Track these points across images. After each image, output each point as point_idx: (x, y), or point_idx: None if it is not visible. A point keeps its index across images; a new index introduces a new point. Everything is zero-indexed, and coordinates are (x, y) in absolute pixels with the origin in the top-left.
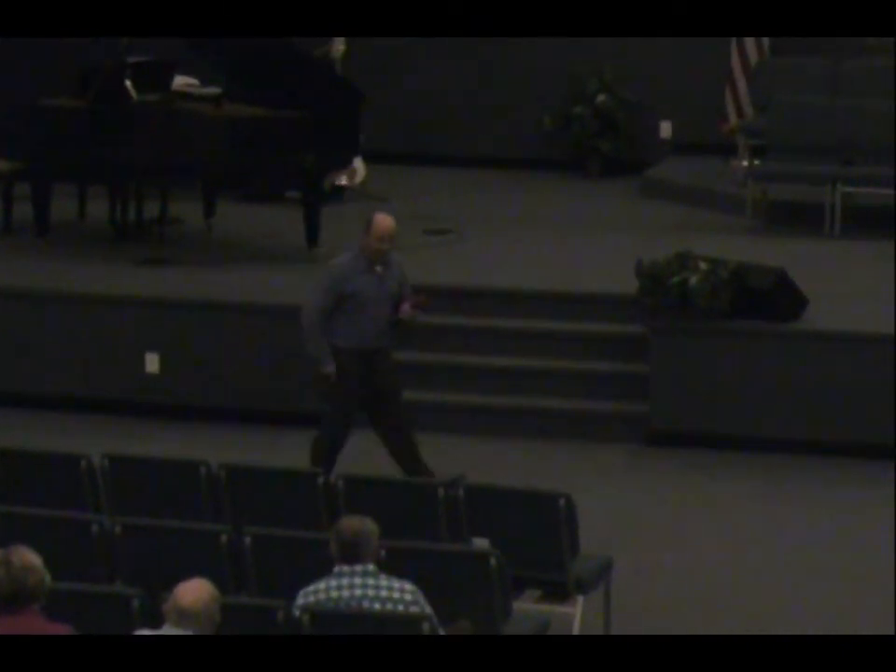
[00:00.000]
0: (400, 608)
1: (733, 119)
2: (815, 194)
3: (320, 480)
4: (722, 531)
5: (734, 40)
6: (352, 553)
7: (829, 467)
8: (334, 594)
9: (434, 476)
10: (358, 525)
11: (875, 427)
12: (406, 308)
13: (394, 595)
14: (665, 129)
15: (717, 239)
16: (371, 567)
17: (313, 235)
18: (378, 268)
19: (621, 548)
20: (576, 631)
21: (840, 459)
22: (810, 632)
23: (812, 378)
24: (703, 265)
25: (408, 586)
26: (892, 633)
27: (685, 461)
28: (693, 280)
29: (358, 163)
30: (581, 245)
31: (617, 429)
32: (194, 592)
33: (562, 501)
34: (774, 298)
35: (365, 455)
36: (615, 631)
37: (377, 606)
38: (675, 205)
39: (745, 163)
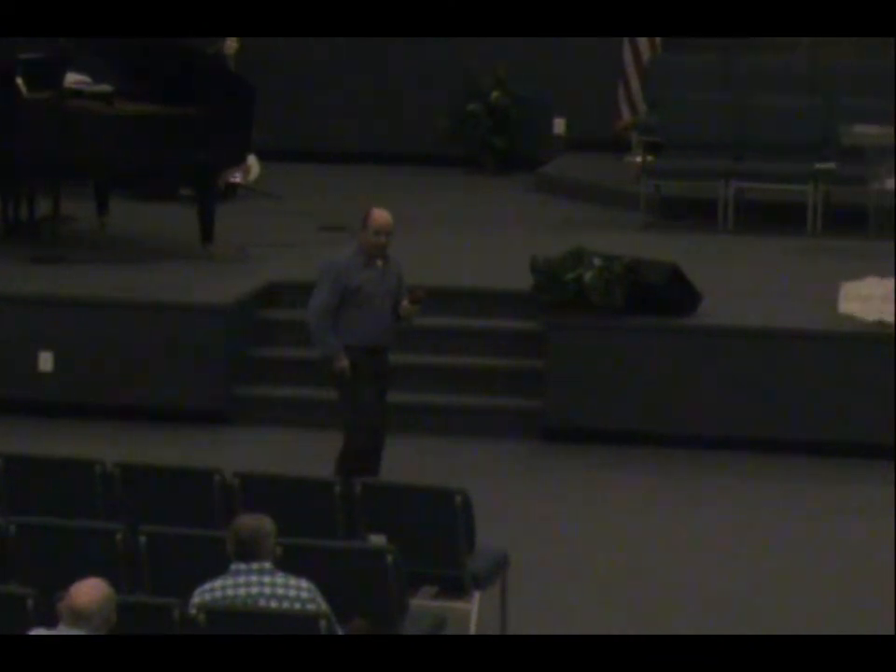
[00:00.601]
0: (297, 605)
1: (626, 115)
2: (708, 189)
3: (216, 477)
4: (618, 527)
5: (626, 38)
6: (248, 550)
7: (722, 461)
8: (230, 592)
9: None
10: (255, 523)
11: (768, 420)
12: (405, 305)
13: (290, 592)
14: (559, 125)
15: (611, 235)
16: (267, 564)
17: (207, 232)
18: (379, 263)
19: (517, 544)
20: (472, 627)
21: (733, 453)
22: (705, 626)
23: (706, 373)
24: (597, 261)
25: (304, 584)
26: (776, 615)
27: (580, 456)
28: (588, 276)
29: (252, 160)
30: (475, 241)
31: (513, 425)
32: (89, 591)
33: (458, 497)
34: (668, 293)
35: (262, 452)
36: (511, 627)
37: (273, 604)
38: (569, 201)
39: (638, 160)
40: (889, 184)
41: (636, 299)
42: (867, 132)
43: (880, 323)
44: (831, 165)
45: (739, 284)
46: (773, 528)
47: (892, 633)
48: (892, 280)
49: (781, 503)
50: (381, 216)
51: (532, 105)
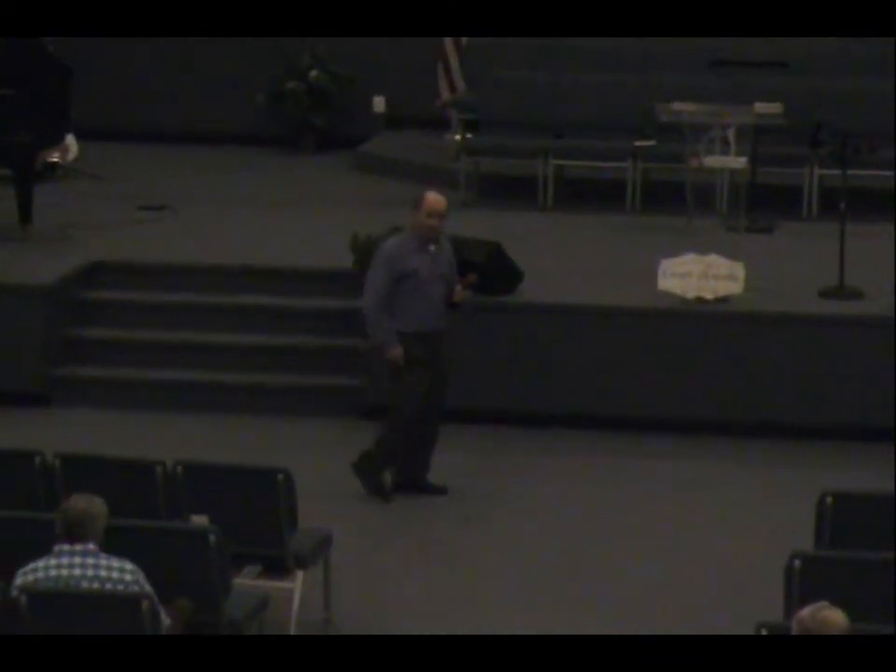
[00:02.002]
0: (120, 587)
1: (445, 93)
2: (527, 167)
3: (37, 459)
4: (440, 503)
5: None
6: (77, 532)
7: (558, 438)
8: (53, 573)
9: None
10: (85, 504)
11: (597, 397)
12: (458, 289)
13: (113, 574)
14: (379, 103)
15: None
16: (91, 546)
17: (25, 213)
18: (431, 247)
19: (340, 522)
20: (295, 606)
21: (566, 431)
22: (549, 599)
23: (528, 350)
24: None
25: (128, 566)
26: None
27: None
28: None
29: (71, 140)
30: (295, 220)
31: (334, 403)
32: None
33: (280, 476)
34: (489, 271)
35: (84, 433)
36: (335, 606)
37: (96, 585)
38: (389, 180)
39: (458, 138)
40: (708, 161)
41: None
42: (685, 109)
43: (699, 299)
44: (649, 143)
45: (559, 261)
46: (627, 504)
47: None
48: (711, 257)
49: (580, 477)
50: (434, 198)
51: (351, 84)
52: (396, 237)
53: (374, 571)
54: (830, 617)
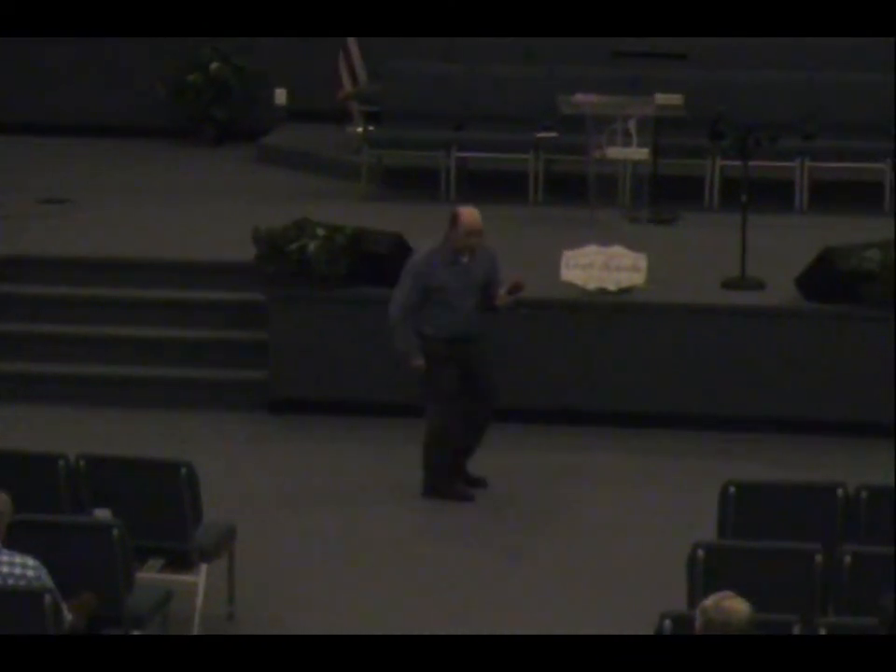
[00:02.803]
0: (22, 583)
1: (347, 85)
2: (430, 159)
3: None
4: (344, 496)
5: None
6: None
7: None
8: None
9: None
10: None
11: (500, 388)
12: (502, 295)
13: (16, 570)
14: (281, 96)
15: (334, 205)
16: None
17: None
18: (464, 259)
19: (244, 515)
20: (199, 600)
21: None
22: (428, 589)
23: None
24: (321, 231)
25: (30, 561)
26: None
27: (306, 428)
28: (312, 247)
29: None
30: (197, 213)
31: (238, 397)
32: None
33: (183, 470)
34: (392, 263)
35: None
36: (239, 600)
37: None
38: (291, 172)
39: (360, 130)
40: (610, 153)
41: (360, 269)
42: (587, 101)
43: (601, 290)
44: (551, 134)
45: None
46: (516, 495)
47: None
48: (613, 248)
49: (515, 471)
50: (471, 216)
51: (252, 76)
52: (428, 249)
53: (279, 565)
54: (732, 606)
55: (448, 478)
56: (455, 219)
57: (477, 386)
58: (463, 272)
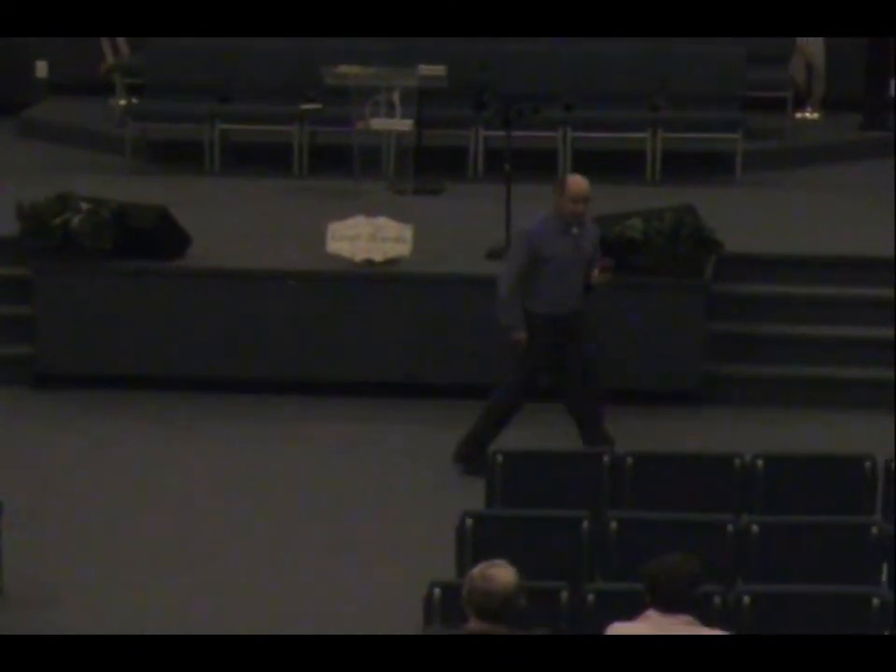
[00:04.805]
0: None
1: (109, 58)
2: (193, 132)
3: None
4: (113, 471)
5: None
6: None
7: (217, 402)
8: None
9: (614, 445)
10: None
11: (261, 361)
12: (595, 273)
13: None
14: (42, 68)
15: (98, 179)
16: None
17: None
18: (574, 230)
19: (9, 491)
20: None
21: (227, 395)
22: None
23: (198, 315)
24: (85, 205)
25: None
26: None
27: (74, 402)
28: (76, 220)
29: None
30: None
31: (2, 372)
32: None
33: None
34: (157, 236)
35: None
36: (7, 576)
37: None
38: (54, 146)
39: (123, 103)
40: (374, 124)
41: (125, 243)
42: (350, 72)
43: (367, 262)
44: (315, 106)
45: (228, 226)
46: (273, 466)
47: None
48: (379, 219)
49: (277, 442)
50: (578, 182)
51: (12, 48)
52: (539, 218)
53: (46, 541)
54: (496, 574)
55: (479, 449)
56: (561, 187)
57: (577, 361)
58: (573, 243)
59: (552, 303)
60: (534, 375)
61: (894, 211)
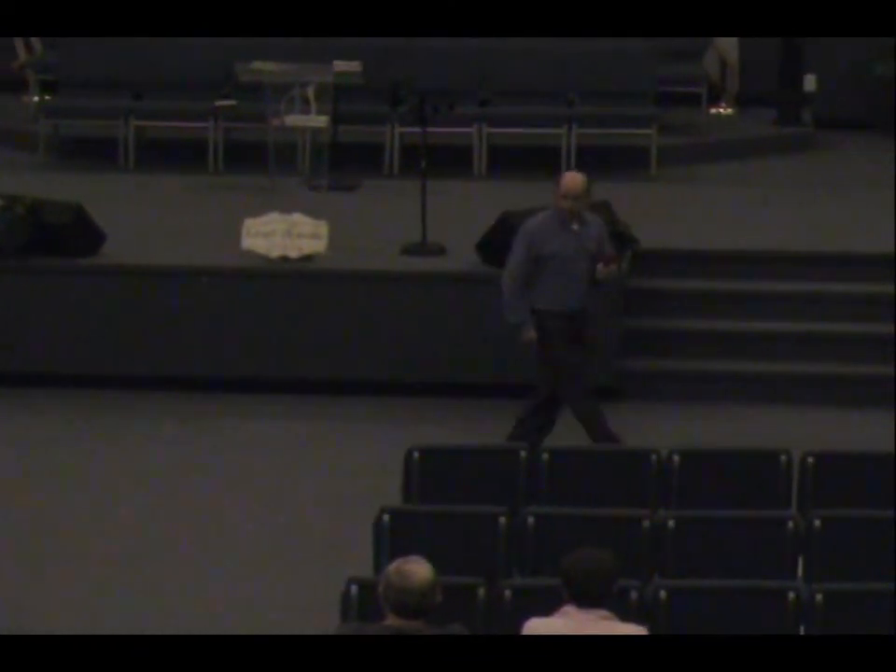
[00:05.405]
0: None
1: (22, 54)
2: (108, 129)
3: None
4: (23, 470)
5: None
6: None
7: (134, 400)
8: None
9: (619, 442)
10: None
11: (178, 358)
12: (600, 268)
13: None
14: None
15: (11, 176)
16: None
17: None
18: (574, 226)
19: None
20: None
21: (151, 393)
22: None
23: (112, 312)
24: None
25: None
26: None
27: None
28: None
29: None
30: None
31: None
32: None
33: None
34: (71, 233)
35: None
36: None
37: None
38: None
39: (36, 99)
40: (289, 120)
41: (39, 239)
42: (264, 68)
43: (283, 258)
44: (230, 102)
45: (143, 222)
46: (188, 464)
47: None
48: (294, 216)
49: (192, 440)
50: (569, 179)
51: None
52: (539, 216)
53: None
54: (411, 570)
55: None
56: (556, 184)
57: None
58: (573, 238)
59: (556, 300)
60: (576, 366)
61: (811, 206)
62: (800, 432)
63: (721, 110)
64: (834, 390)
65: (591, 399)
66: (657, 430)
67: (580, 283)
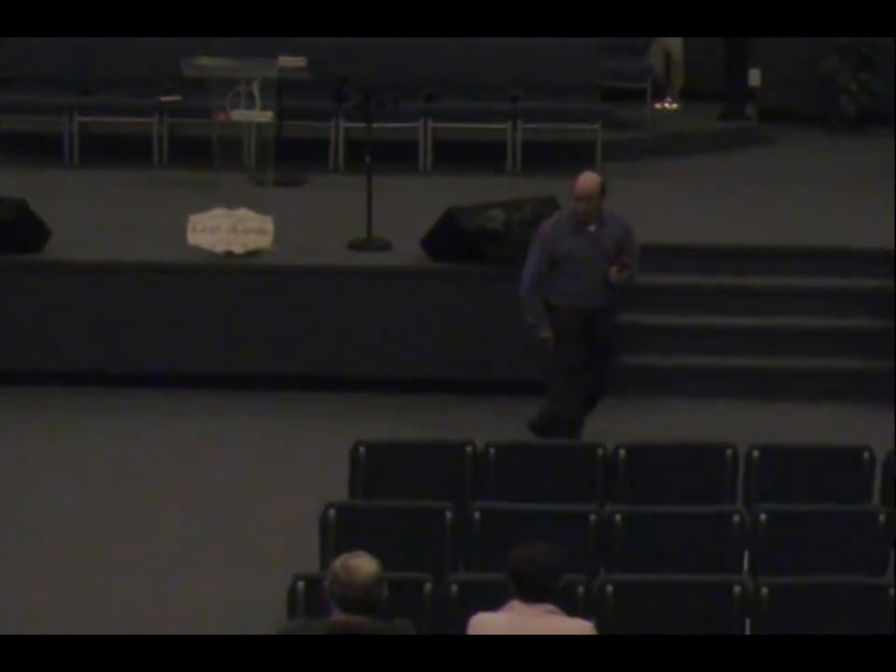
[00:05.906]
0: None
1: None
2: (53, 124)
3: None
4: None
5: None
6: None
7: (76, 396)
8: None
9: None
10: None
11: (131, 353)
12: (613, 272)
13: None
14: None
15: None
16: None
17: None
18: (591, 227)
19: None
20: None
21: (92, 389)
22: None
23: (58, 308)
24: None
25: None
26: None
27: None
28: None
29: None
30: None
31: None
32: None
33: None
34: (16, 229)
35: None
36: None
37: None
38: None
39: None
40: (234, 115)
41: None
42: (210, 63)
43: (228, 254)
44: (175, 98)
45: (88, 218)
46: (137, 460)
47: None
48: (240, 211)
49: (140, 436)
50: (579, 181)
51: None
52: (554, 217)
53: None
54: (357, 564)
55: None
56: (571, 185)
57: (595, 360)
58: (589, 239)
59: (569, 296)
60: (575, 370)
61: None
62: (749, 425)
63: (666, 105)
64: (799, 385)
65: (578, 404)
66: (610, 423)
67: (596, 283)
